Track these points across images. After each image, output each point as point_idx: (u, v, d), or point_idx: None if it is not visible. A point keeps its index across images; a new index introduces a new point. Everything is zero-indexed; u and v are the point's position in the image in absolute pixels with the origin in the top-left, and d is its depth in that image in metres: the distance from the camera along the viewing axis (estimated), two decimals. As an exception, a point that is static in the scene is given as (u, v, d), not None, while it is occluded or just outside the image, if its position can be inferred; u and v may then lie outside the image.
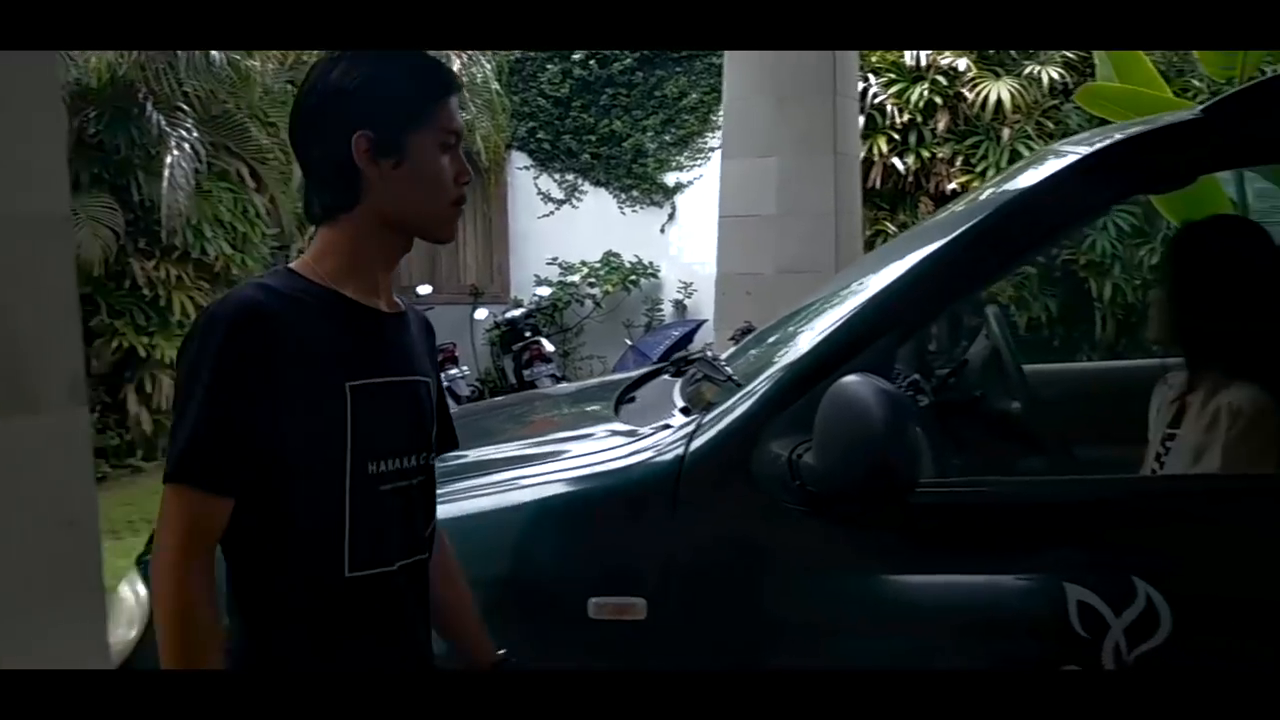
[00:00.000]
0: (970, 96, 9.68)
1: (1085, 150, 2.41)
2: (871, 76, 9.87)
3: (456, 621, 1.97)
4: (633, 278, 12.01)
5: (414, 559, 1.77)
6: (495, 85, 10.64)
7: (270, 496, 1.64)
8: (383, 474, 1.70)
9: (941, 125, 9.81)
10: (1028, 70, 9.63)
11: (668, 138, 11.79)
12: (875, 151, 9.79)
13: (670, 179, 11.86)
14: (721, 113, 6.23)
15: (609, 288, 11.86)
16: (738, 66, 5.86)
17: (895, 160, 9.77)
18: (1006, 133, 9.56)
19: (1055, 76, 9.52)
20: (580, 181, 12.19)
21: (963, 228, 2.39)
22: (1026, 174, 2.58)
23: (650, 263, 12.03)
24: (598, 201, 12.17)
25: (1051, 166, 2.45)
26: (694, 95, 11.62)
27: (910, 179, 9.86)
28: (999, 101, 9.49)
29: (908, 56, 9.82)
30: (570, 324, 12.12)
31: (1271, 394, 2.43)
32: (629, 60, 11.73)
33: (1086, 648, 2.07)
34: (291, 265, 1.74)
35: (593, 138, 11.96)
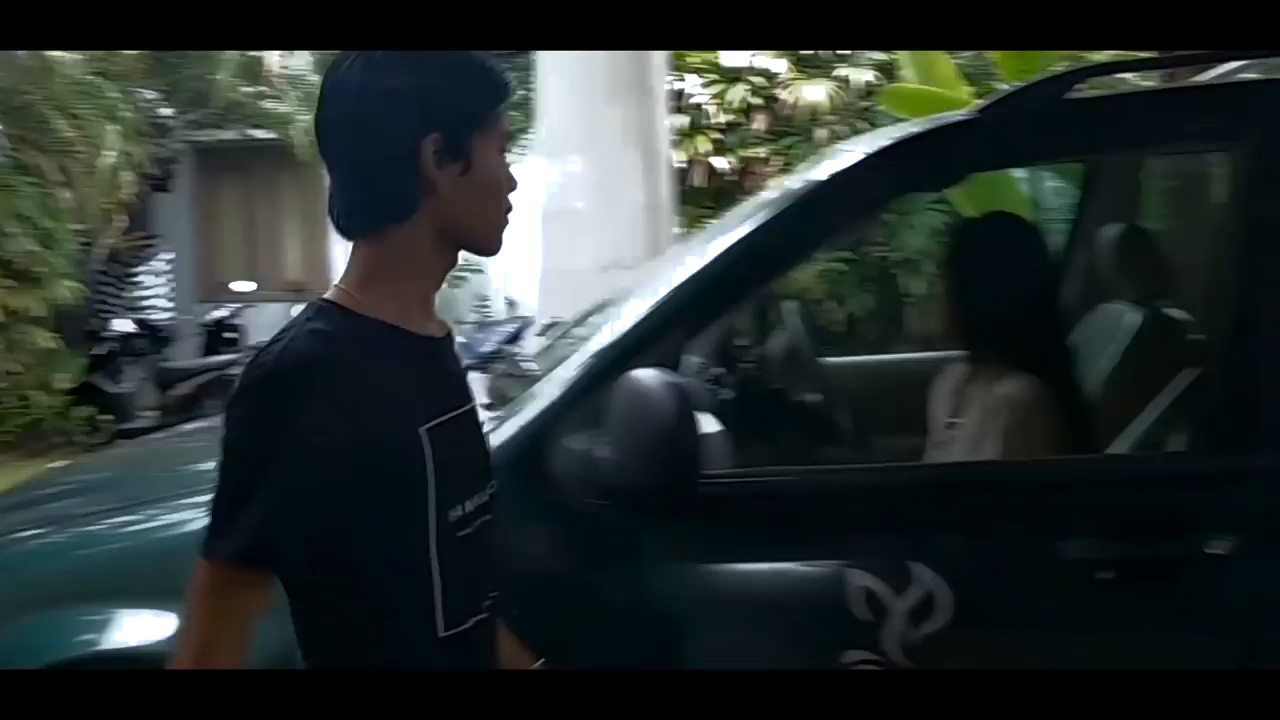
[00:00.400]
0: (786, 98, 9.87)
1: (865, 150, 2.49)
2: (692, 77, 9.98)
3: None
4: (460, 274, 11.89)
5: (494, 595, 1.66)
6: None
7: (348, 568, 1.48)
8: (464, 517, 1.57)
9: (760, 126, 9.98)
10: (839, 72, 9.87)
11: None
12: (697, 151, 9.91)
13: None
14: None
15: (435, 286, 11.71)
16: (551, 66, 5.89)
17: (716, 160, 9.90)
18: (822, 133, 9.78)
19: (871, 79, 9.79)
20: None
21: (749, 226, 2.45)
22: (812, 173, 2.66)
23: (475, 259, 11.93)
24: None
25: (834, 165, 2.53)
26: (520, 92, 11.58)
27: (732, 178, 10.01)
28: (814, 103, 9.71)
29: (724, 57, 9.96)
30: (396, 321, 11.96)
31: (1045, 385, 2.55)
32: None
33: (869, 630, 2.15)
34: (329, 298, 1.53)
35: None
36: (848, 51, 10.02)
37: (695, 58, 9.95)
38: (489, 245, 1.60)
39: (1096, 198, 3.75)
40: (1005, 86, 8.55)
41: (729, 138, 10.04)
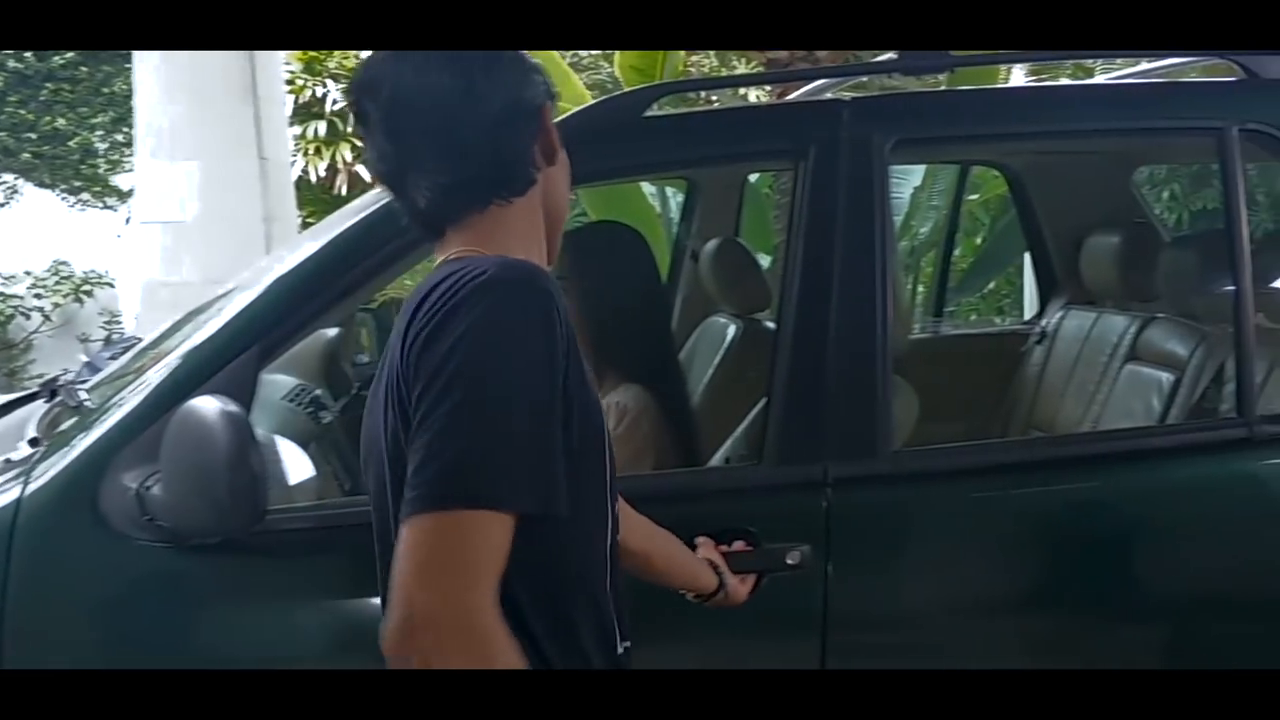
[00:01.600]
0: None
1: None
2: (330, 83, 9.73)
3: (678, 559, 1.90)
4: (85, 288, 11.13)
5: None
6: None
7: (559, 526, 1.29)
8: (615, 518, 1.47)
9: (403, 133, 9.84)
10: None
11: (120, 137, 10.98)
12: (340, 159, 9.67)
13: (125, 181, 11.06)
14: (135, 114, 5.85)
15: (59, 299, 10.91)
16: (147, 66, 5.53)
17: (360, 168, 9.68)
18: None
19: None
20: (20, 183, 11.10)
21: (321, 243, 2.33)
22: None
23: (105, 272, 11.19)
24: (42, 205, 11.13)
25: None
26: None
27: (375, 186, 9.80)
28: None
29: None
30: (16, 340, 11.02)
31: (651, 396, 2.56)
32: (71, 54, 10.81)
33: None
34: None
35: (33, 135, 10.91)
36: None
37: (332, 62, 9.70)
38: (556, 243, 1.55)
39: (700, 212, 3.85)
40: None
41: (373, 146, 9.84)
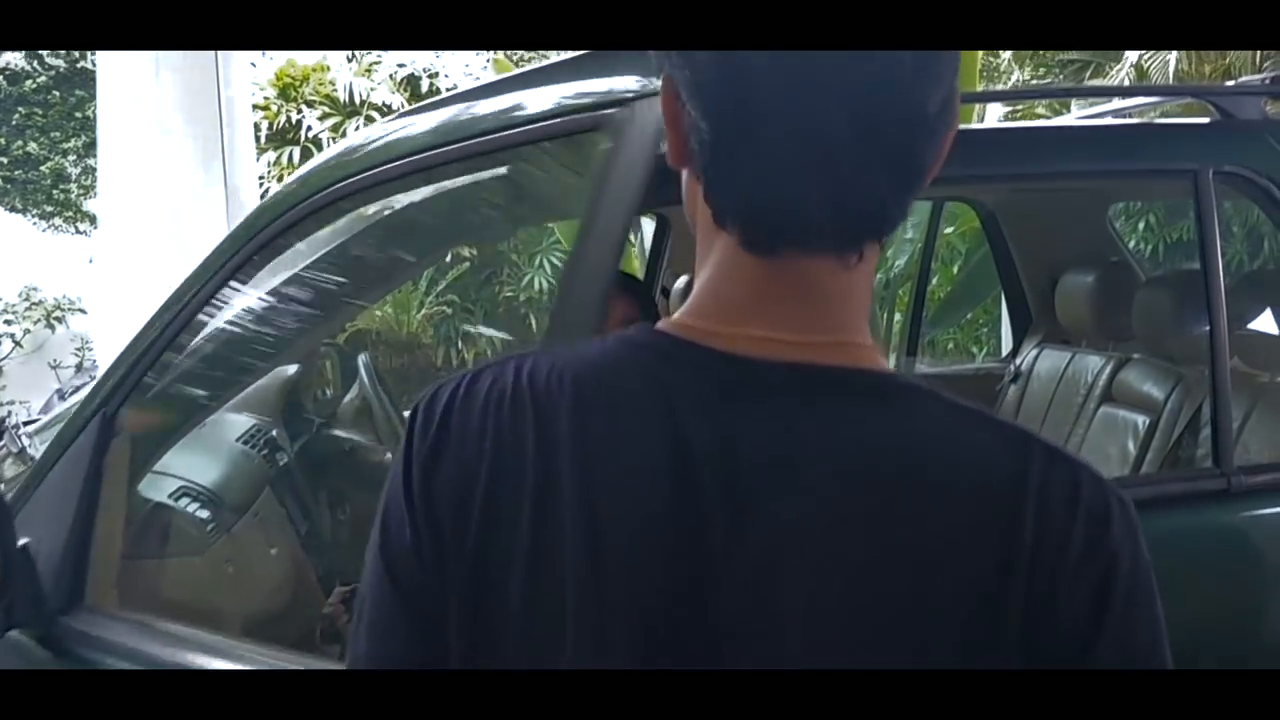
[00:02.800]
0: (406, 133, 9.76)
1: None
2: (306, 109, 9.69)
3: None
4: (57, 314, 11.01)
5: None
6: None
7: None
8: None
9: (379, 160, 9.81)
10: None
11: (92, 162, 10.91)
12: (314, 185, 9.61)
13: (97, 206, 10.98)
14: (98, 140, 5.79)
15: (30, 325, 10.78)
16: (111, 92, 5.47)
17: (335, 194, 9.64)
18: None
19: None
20: (-10, 208, 11.03)
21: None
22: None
23: (77, 298, 11.08)
24: (13, 230, 11.03)
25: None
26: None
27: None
28: (434, 139, 9.64)
29: (341, 91, 9.73)
30: (-15, 366, 10.91)
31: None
32: (44, 79, 10.74)
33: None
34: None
35: (4, 160, 10.83)
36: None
37: (306, 87, 9.66)
38: None
39: (671, 246, 3.80)
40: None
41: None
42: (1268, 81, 2.49)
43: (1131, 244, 9.90)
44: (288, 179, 2.32)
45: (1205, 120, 2.46)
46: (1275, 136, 2.29)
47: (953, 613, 0.78)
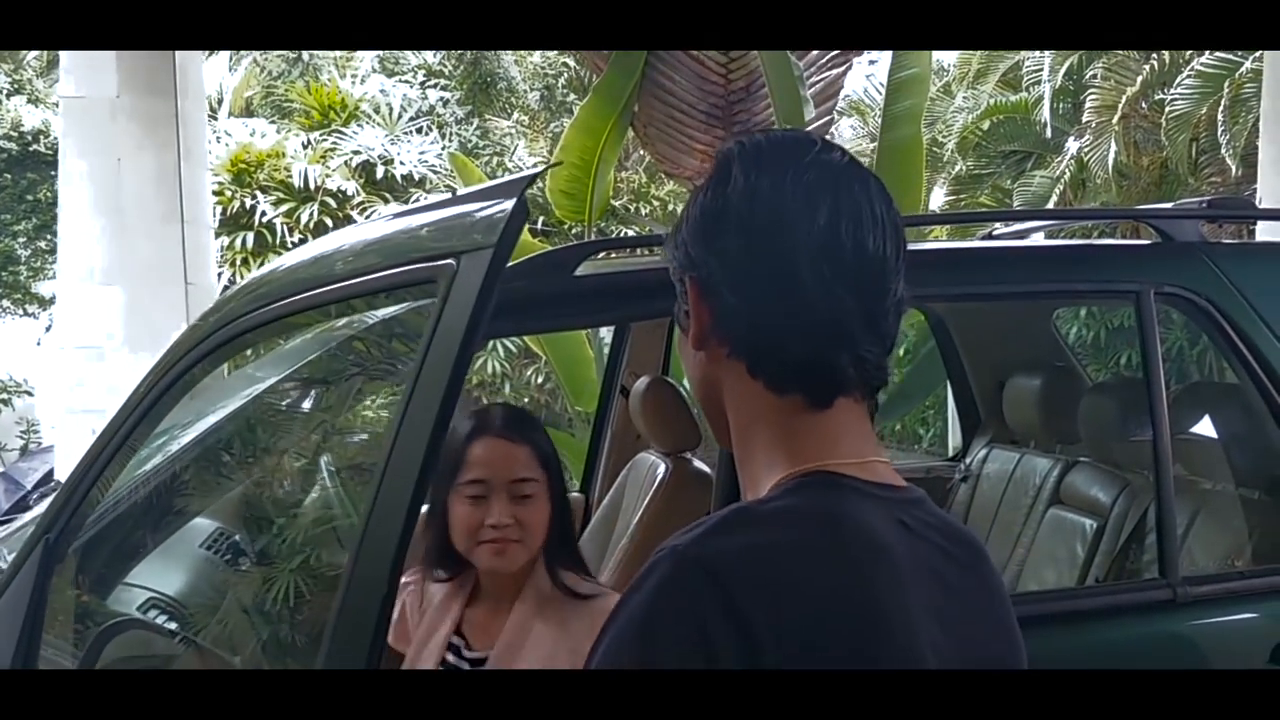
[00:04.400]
0: (360, 220, 9.80)
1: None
2: (260, 195, 9.73)
3: None
4: (4, 396, 10.88)
5: None
6: None
7: None
8: None
9: (334, 246, 9.86)
10: (415, 197, 9.92)
11: (43, 244, 10.86)
12: (268, 270, 9.63)
13: (47, 288, 10.92)
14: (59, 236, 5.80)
15: (-27, 408, 10.65)
16: (71, 188, 5.48)
17: (288, 279, 9.66)
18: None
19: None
20: (-65, 289, 10.92)
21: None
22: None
23: (24, 380, 10.96)
24: (-41, 312, 10.94)
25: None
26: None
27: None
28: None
29: (296, 177, 9.78)
30: (-76, 450, 10.73)
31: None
32: (-5, 161, 10.73)
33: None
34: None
35: (-48, 242, 10.77)
36: (432, 176, 10.06)
37: (261, 173, 9.71)
38: None
39: (630, 348, 3.86)
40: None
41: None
42: (1204, 205, 2.61)
43: (1074, 330, 10.12)
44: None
45: (1146, 243, 2.57)
46: (1211, 258, 2.41)
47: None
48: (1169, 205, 2.82)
